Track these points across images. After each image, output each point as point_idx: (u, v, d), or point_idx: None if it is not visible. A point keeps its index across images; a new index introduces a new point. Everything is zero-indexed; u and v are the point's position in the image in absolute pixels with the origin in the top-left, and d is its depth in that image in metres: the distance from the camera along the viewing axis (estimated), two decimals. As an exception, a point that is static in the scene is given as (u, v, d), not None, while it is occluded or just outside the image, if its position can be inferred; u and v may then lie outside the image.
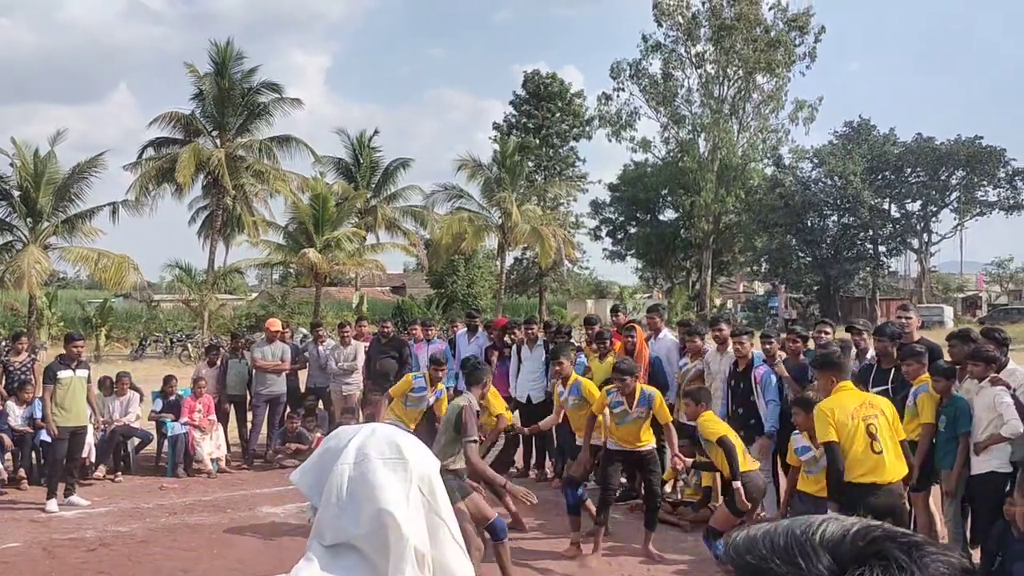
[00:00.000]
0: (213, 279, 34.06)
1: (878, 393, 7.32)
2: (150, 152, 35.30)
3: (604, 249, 58.85)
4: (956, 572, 0.87)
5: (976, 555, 6.79)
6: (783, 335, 9.04)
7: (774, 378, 8.06)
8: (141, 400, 11.65)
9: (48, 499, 9.19)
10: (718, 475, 8.96)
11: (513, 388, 10.65)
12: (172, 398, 11.62)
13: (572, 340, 11.66)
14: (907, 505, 6.23)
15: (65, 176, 29.04)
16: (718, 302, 55.10)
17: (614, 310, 11.13)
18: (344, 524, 1.44)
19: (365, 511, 1.43)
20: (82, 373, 9.55)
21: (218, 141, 35.05)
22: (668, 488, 8.97)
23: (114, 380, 11.47)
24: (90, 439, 10.32)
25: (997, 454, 6.40)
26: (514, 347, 11.00)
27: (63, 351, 9.78)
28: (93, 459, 10.62)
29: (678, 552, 7.56)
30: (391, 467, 1.47)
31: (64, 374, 9.36)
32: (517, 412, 10.60)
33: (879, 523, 0.90)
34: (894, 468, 5.61)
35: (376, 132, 42.33)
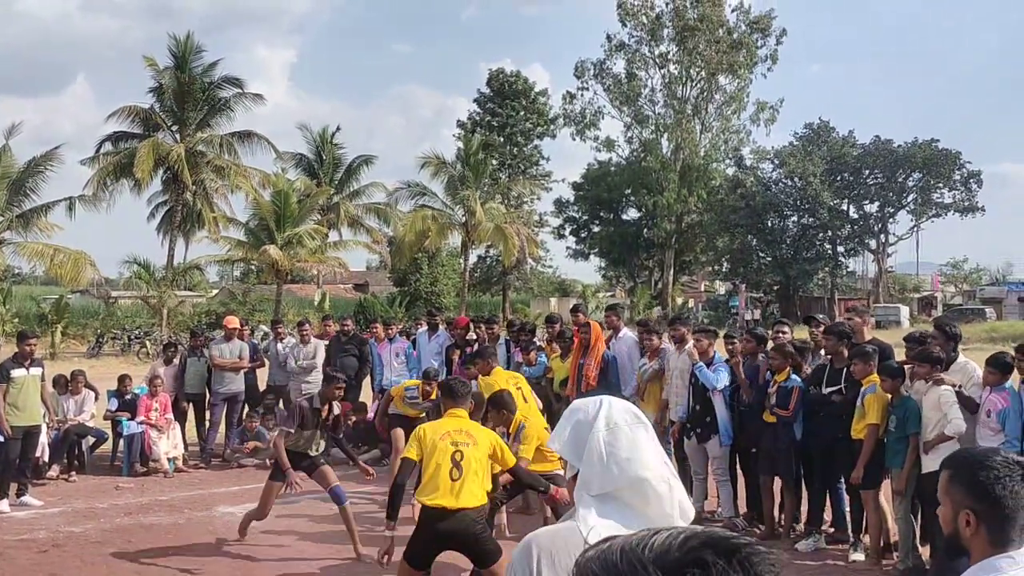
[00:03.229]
0: (172, 275, 33.65)
1: (831, 393, 7.47)
2: (108, 146, 34.83)
3: (567, 248, 59.13)
4: (780, 571, 0.92)
5: (925, 553, 6.95)
6: (743, 335, 9.14)
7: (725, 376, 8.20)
8: (96, 399, 11.49)
9: (-1, 499, 9.04)
10: None
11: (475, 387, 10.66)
12: (128, 397, 11.46)
13: (536, 339, 11.71)
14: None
15: (20, 170, 28.56)
16: (680, 301, 55.50)
17: (574, 310, 11.18)
18: (607, 478, 1.82)
19: (625, 468, 1.81)
20: (36, 371, 9.39)
21: (178, 136, 34.65)
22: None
23: (69, 378, 11.30)
24: (43, 438, 10.15)
25: (945, 453, 6.53)
26: (475, 345, 11.02)
27: (16, 349, 9.61)
28: (46, 459, 10.45)
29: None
30: (636, 429, 1.88)
31: (17, 373, 9.19)
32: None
33: (702, 529, 0.94)
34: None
35: (338, 128, 42.16)
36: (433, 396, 9.67)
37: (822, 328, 8.37)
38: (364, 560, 7.22)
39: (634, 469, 1.82)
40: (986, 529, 2.03)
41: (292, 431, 7.43)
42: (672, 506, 1.82)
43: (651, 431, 1.93)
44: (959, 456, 2.30)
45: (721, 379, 8.12)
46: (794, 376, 7.81)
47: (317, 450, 7.62)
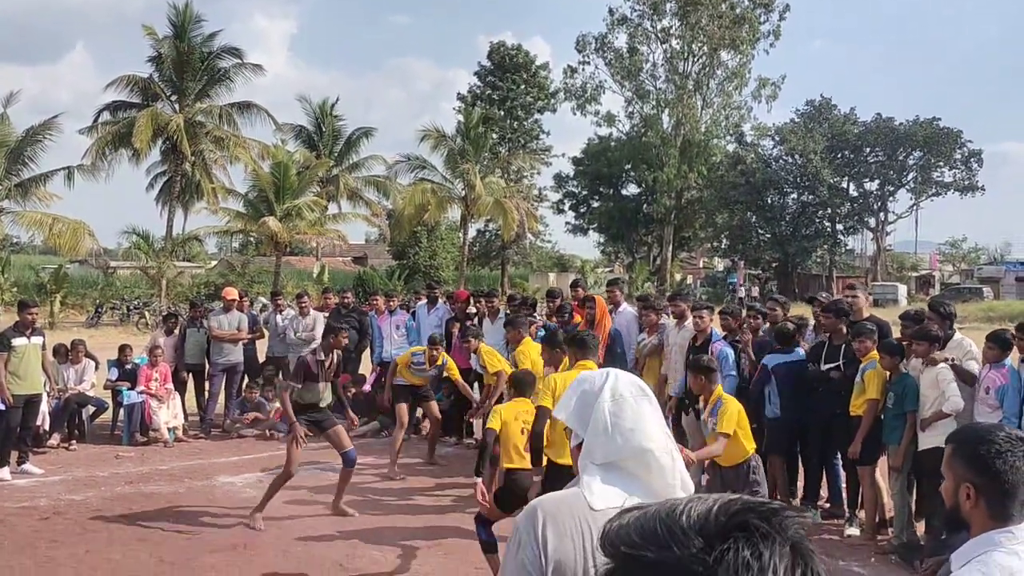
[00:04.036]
0: (171, 246, 33.60)
1: (829, 370, 7.50)
2: (107, 116, 34.61)
3: (567, 223, 59.10)
4: (808, 533, 0.94)
5: (920, 529, 7.01)
6: (744, 312, 9.17)
7: (730, 353, 8.18)
8: (96, 368, 11.52)
9: (0, 467, 9.09)
10: None
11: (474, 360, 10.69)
12: (128, 366, 11.50)
13: (536, 313, 11.72)
14: None
15: (18, 139, 28.43)
16: (678, 277, 55.53)
17: (574, 284, 11.19)
18: (611, 448, 1.86)
19: (629, 439, 1.86)
20: (37, 340, 9.41)
21: (177, 106, 34.44)
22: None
23: (69, 347, 11.32)
24: (44, 407, 10.19)
25: (943, 430, 6.57)
26: (476, 319, 11.05)
27: (17, 318, 9.62)
28: (47, 427, 10.51)
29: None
30: (640, 402, 1.92)
31: (19, 341, 9.21)
32: (477, 384, 10.67)
33: (738, 496, 0.96)
34: None
35: (337, 100, 41.99)
36: (439, 362, 9.64)
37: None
38: (345, 512, 7.73)
39: (638, 440, 1.85)
40: (986, 503, 2.06)
41: (299, 385, 7.64)
42: (674, 477, 1.85)
43: (655, 404, 1.95)
44: (963, 431, 2.32)
45: (736, 381, 8.12)
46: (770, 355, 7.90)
47: (326, 403, 7.80)
